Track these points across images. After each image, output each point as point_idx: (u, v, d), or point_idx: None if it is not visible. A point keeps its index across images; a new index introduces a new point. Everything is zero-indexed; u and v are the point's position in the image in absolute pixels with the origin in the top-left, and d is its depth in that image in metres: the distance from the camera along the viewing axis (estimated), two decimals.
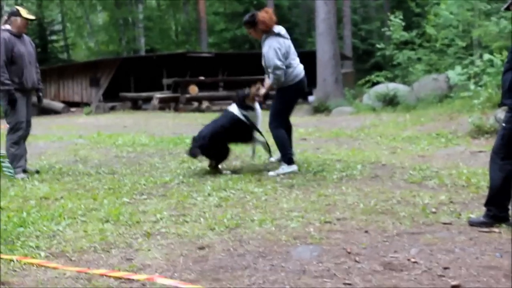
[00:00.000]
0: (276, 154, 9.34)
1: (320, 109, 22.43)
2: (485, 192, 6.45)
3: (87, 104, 28.83)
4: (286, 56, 8.74)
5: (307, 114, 22.06)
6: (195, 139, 9.05)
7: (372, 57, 37.02)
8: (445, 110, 16.08)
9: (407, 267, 4.74)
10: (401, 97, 20.50)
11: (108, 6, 44.58)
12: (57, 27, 45.38)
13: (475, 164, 9.16)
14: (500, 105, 6.10)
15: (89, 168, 9.52)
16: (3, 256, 5.09)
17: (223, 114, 9.32)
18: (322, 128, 15.49)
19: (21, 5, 37.79)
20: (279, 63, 8.62)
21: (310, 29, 39.24)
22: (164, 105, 26.85)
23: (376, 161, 9.64)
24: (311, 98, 25.18)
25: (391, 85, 21.56)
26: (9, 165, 5.17)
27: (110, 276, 4.62)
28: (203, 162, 9.28)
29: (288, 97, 8.97)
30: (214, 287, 4.40)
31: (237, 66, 30.29)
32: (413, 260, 4.88)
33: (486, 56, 15.94)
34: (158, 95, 27.39)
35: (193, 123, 18.91)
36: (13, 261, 4.98)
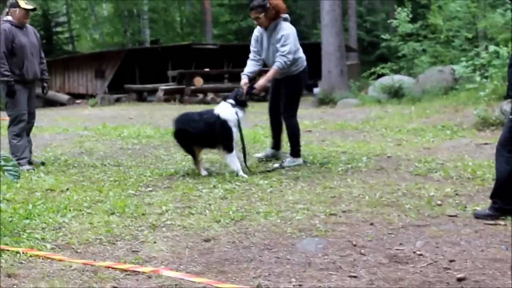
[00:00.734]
0: (265, 151, 9.30)
1: (325, 101, 22.41)
2: (490, 184, 6.45)
3: (92, 96, 28.84)
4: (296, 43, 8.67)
5: (312, 106, 22.04)
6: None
7: (377, 49, 36.91)
8: (451, 102, 16.07)
9: (413, 260, 4.74)
10: (406, 89, 20.45)
11: None
12: (62, 18, 45.32)
13: (481, 157, 9.15)
14: (506, 97, 6.10)
15: (95, 160, 9.53)
16: (9, 248, 5.10)
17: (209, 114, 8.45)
18: (327, 120, 15.47)
19: None
20: (295, 48, 8.48)
21: (315, 20, 39.16)
22: (169, 97, 26.83)
23: (381, 153, 9.63)
24: (316, 90, 25.16)
25: (396, 77, 21.50)
26: (15, 165, 5.16)
27: (116, 268, 4.63)
28: (209, 155, 9.27)
29: (299, 84, 8.86)
30: (220, 279, 4.40)
31: (242, 58, 29.71)
32: (418, 252, 4.89)
33: (492, 48, 15.88)
34: (163, 87, 27.37)
35: None
36: (19, 253, 4.99)
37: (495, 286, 4.24)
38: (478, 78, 15.09)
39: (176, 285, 4.32)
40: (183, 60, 30.24)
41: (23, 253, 4.99)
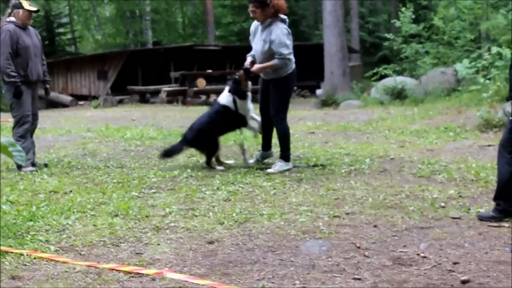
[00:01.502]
0: (255, 155, 9.28)
1: (328, 102, 22.41)
2: (494, 186, 6.45)
3: (95, 97, 28.83)
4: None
5: (314, 108, 22.06)
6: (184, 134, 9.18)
7: (380, 50, 36.98)
8: (453, 104, 16.05)
9: (417, 262, 4.74)
10: (409, 90, 20.44)
11: None
12: (64, 19, 45.37)
13: (484, 158, 9.14)
14: (508, 98, 6.10)
15: (98, 162, 9.54)
16: (13, 250, 5.11)
17: (212, 106, 9.34)
18: (330, 121, 15.47)
19: None
20: (290, 50, 8.52)
21: (317, 21, 39.20)
22: (172, 98, 26.82)
23: (384, 155, 9.63)
24: (318, 92, 25.14)
25: (399, 79, 21.49)
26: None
27: (119, 271, 4.64)
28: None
29: (289, 85, 8.85)
30: (224, 282, 4.41)
31: (244, 59, 29.99)
32: (422, 254, 4.89)
33: (495, 49, 15.86)
34: (165, 88, 27.37)
35: None
36: (23, 255, 4.99)
37: None
38: (481, 80, 15.06)
39: (180, 287, 4.33)
40: (185, 61, 30.26)
41: (27, 255, 5.00)
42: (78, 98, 29.37)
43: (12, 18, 8.99)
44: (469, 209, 6.28)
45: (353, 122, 15.10)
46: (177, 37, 44.26)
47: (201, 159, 9.34)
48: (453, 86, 19.11)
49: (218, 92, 28.17)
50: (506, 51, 15.00)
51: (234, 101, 8.83)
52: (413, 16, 23.29)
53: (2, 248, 5.12)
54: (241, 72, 8.88)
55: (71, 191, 7.39)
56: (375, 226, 5.76)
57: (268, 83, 8.79)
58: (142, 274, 4.56)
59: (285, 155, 8.74)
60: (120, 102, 28.20)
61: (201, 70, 29.09)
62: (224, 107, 8.91)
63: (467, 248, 5.05)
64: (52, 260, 4.91)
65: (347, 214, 6.19)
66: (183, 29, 47.51)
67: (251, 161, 9.12)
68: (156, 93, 28.04)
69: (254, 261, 4.84)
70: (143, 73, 31.51)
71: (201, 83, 26.89)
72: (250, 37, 8.99)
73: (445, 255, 4.88)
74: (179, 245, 5.28)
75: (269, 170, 8.52)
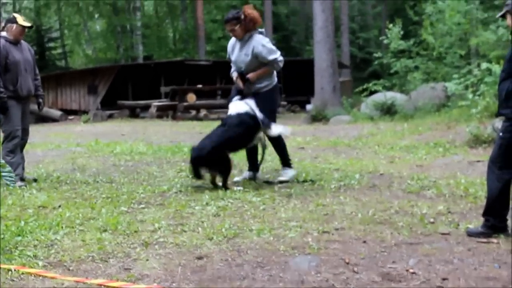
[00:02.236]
0: (243, 174, 9.19)
1: (318, 117, 22.48)
2: (483, 202, 6.45)
3: (85, 112, 28.83)
4: None
5: (304, 123, 22.09)
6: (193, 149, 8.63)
7: (370, 65, 37.10)
8: (443, 119, 16.11)
9: (406, 278, 4.73)
10: (398, 106, 20.52)
11: (105, 13, 44.68)
12: (55, 34, 45.52)
13: (473, 174, 9.17)
14: (498, 114, 6.12)
15: (87, 177, 9.51)
16: (1, 265, 5.08)
17: (229, 121, 8.65)
18: (320, 137, 15.50)
19: (19, 12, 37.86)
20: (278, 51, 8.67)
21: (308, 37, 39.29)
22: (162, 113, 26.86)
23: (374, 170, 9.65)
24: (308, 107, 25.21)
25: (389, 94, 21.59)
26: (10, 171, 5.14)
27: (108, 286, 4.61)
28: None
29: (276, 96, 8.97)
30: None
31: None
32: (411, 270, 4.88)
33: (484, 65, 15.93)
34: (156, 103, 27.41)
35: (191, 131, 18.95)
36: (11, 270, 4.95)
37: None
38: (470, 95, 15.12)
39: None
40: (176, 76, 30.32)
41: (15, 270, 4.96)
42: (68, 112, 29.34)
43: (4, 33, 8.97)
44: (458, 224, 6.29)
45: (343, 137, 15.14)
46: (167, 52, 44.38)
47: (191, 174, 9.33)
48: (442, 102, 19.20)
49: (209, 107, 28.30)
50: (495, 67, 15.04)
51: (249, 106, 8.62)
52: (402, 32, 23.36)
53: None
54: (237, 77, 8.79)
55: (60, 206, 7.36)
56: (364, 241, 5.75)
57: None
58: None
59: (288, 162, 8.96)
60: (110, 116, 28.21)
61: (192, 85, 29.17)
62: (247, 114, 8.56)
63: (456, 264, 5.05)
64: (40, 275, 4.88)
65: (337, 229, 6.18)
66: (174, 44, 47.64)
67: (238, 178, 8.97)
68: (146, 108, 28.07)
69: (243, 277, 4.82)
70: (133, 88, 31.54)
71: (191, 98, 26.92)
72: (229, 55, 9.06)
73: (434, 271, 4.88)
74: (168, 260, 5.26)
75: (282, 178, 8.71)
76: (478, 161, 10.20)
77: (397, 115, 19.80)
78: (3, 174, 5.30)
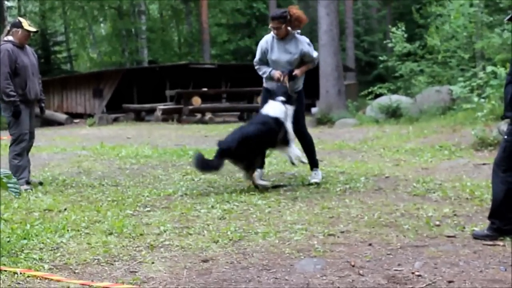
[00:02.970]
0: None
1: (323, 121, 22.45)
2: (488, 204, 6.44)
3: (90, 116, 28.85)
4: None
5: (310, 126, 21.87)
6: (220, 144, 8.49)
7: (375, 68, 37.08)
8: (448, 122, 16.09)
9: (411, 281, 4.73)
10: (404, 109, 20.51)
11: (110, 17, 44.74)
12: (60, 38, 45.54)
13: (479, 177, 9.15)
14: (503, 117, 6.12)
15: (93, 180, 9.52)
16: (7, 268, 5.09)
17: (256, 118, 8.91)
18: (325, 140, 15.49)
19: (24, 16, 37.92)
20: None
21: (313, 40, 39.08)
22: (167, 116, 26.85)
23: (379, 173, 9.64)
24: (314, 110, 25.19)
25: (394, 97, 21.58)
26: (15, 182, 5.15)
27: None
28: (206, 174, 9.24)
29: (303, 98, 9.03)
30: None
31: (240, 78, 30.25)
32: (417, 273, 4.88)
33: (489, 68, 15.92)
34: (161, 106, 27.39)
35: (196, 134, 18.96)
36: (16, 273, 4.97)
37: None
38: (475, 99, 15.10)
39: None
40: (181, 79, 30.31)
41: (21, 273, 4.97)
42: (74, 116, 29.37)
43: (10, 37, 8.98)
44: (464, 227, 6.28)
45: (348, 140, 15.13)
46: (172, 56, 44.36)
47: (196, 177, 9.34)
48: (448, 105, 19.17)
49: (214, 110, 28.30)
50: (500, 70, 15.03)
51: (285, 113, 8.58)
52: (406, 35, 23.34)
53: None
54: (283, 77, 8.63)
55: (65, 209, 7.37)
56: (370, 244, 5.75)
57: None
58: None
59: (317, 163, 9.13)
60: (115, 120, 28.22)
61: (197, 89, 29.13)
62: (275, 120, 8.52)
63: (462, 267, 5.05)
64: (46, 278, 4.89)
65: (342, 232, 6.18)
66: (179, 48, 47.63)
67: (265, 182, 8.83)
68: (152, 111, 28.06)
69: (249, 280, 4.82)
70: (138, 91, 31.53)
71: (196, 101, 26.90)
72: (264, 53, 8.87)
73: (440, 273, 4.88)
74: (173, 263, 5.27)
75: (315, 180, 8.79)
76: (484, 164, 10.18)
77: (403, 118, 19.77)
78: (9, 185, 5.32)
